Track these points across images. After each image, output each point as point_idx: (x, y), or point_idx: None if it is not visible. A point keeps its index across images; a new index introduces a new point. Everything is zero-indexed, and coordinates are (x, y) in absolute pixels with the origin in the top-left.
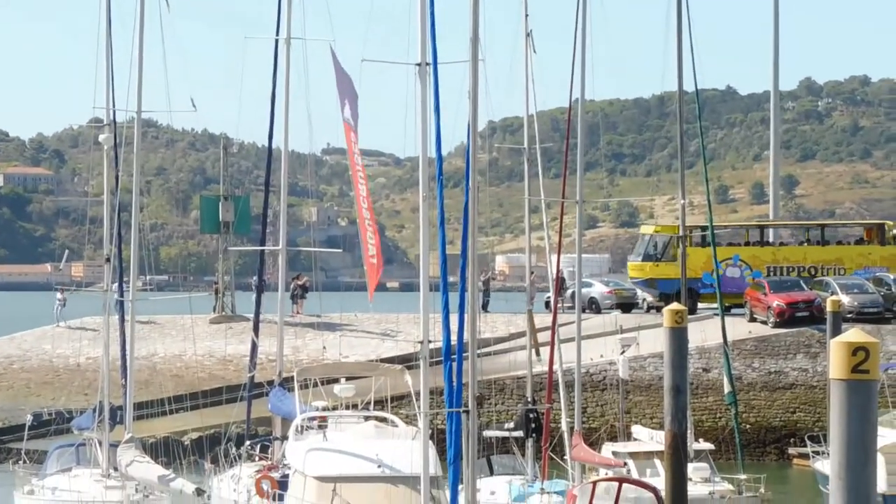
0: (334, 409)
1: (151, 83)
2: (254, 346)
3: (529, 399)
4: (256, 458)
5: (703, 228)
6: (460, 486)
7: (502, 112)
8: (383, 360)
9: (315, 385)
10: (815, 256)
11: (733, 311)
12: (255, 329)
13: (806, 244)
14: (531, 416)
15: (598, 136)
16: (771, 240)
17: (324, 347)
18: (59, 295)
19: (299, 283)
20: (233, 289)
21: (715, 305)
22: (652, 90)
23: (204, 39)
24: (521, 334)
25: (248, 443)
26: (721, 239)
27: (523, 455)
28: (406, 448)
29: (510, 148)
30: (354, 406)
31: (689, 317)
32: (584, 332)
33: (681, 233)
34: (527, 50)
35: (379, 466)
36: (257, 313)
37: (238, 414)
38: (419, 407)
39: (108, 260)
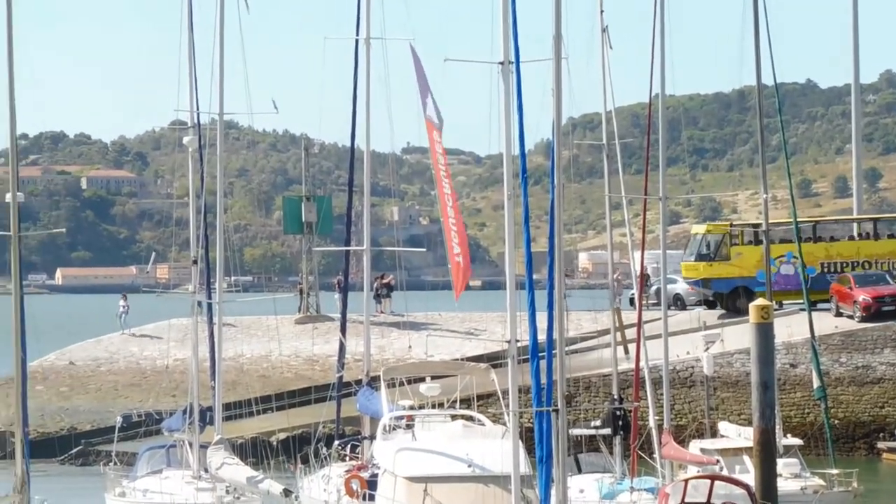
0: (420, 408)
1: (232, 85)
2: (341, 347)
3: (616, 397)
4: (347, 458)
5: (755, 226)
6: (551, 485)
7: (581, 109)
8: (468, 359)
9: (401, 384)
10: (868, 251)
11: (819, 305)
12: (343, 329)
13: (858, 238)
14: (618, 413)
15: (679, 131)
16: (855, 234)
17: (409, 347)
18: (122, 302)
19: (384, 282)
20: (317, 289)
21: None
22: (732, 84)
23: (283, 40)
24: (607, 332)
25: (337, 443)
26: (774, 236)
27: (611, 453)
28: (496, 447)
29: (590, 144)
30: (440, 405)
31: (775, 312)
32: (670, 329)
33: (764, 227)
34: (603, 46)
35: (469, 466)
36: (344, 313)
37: (327, 414)
38: (508, 406)
39: (194, 262)
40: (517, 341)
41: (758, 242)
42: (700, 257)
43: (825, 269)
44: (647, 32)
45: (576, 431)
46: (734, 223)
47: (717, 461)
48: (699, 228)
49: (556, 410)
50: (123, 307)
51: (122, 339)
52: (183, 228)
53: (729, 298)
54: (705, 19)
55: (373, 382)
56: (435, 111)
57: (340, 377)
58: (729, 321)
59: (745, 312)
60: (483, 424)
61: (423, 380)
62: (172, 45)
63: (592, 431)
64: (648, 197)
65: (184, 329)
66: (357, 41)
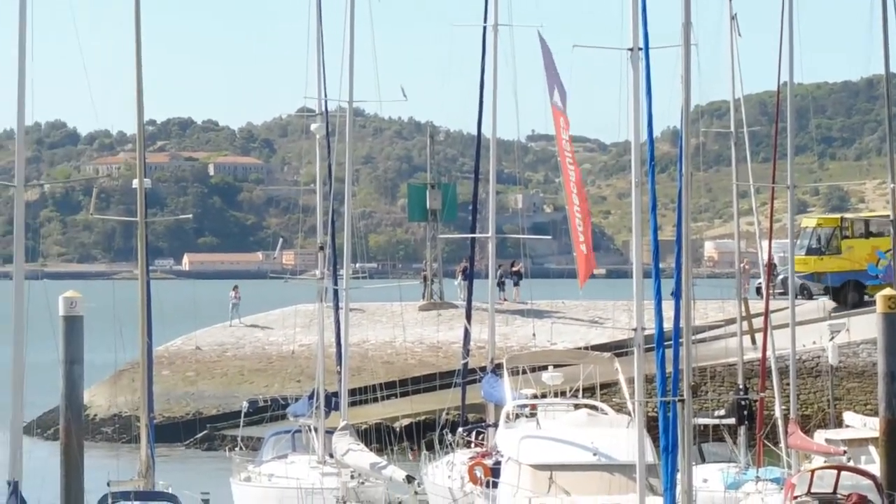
0: (543, 396)
1: (360, 73)
2: (466, 334)
3: (741, 386)
4: (472, 445)
5: (867, 221)
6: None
7: (709, 96)
8: (592, 348)
9: (523, 372)
10: None
11: None
12: (468, 316)
13: None
14: (743, 403)
15: (807, 119)
16: None
17: (533, 335)
18: (233, 292)
19: (514, 269)
20: (441, 276)
21: None
22: (860, 73)
23: (410, 28)
24: (733, 321)
25: (461, 429)
26: (880, 227)
27: (735, 443)
28: (621, 436)
29: (717, 132)
30: (563, 394)
31: None
32: (796, 319)
33: (892, 217)
34: (732, 33)
35: (595, 455)
36: (469, 300)
37: (451, 401)
38: (633, 395)
39: (321, 248)
40: (643, 330)
41: (868, 235)
42: (810, 251)
43: None
44: (776, 20)
45: (700, 421)
46: (844, 216)
47: (845, 451)
48: (809, 222)
49: (682, 400)
50: (235, 298)
51: (247, 325)
52: (309, 215)
53: (839, 292)
54: (834, 7)
55: (496, 370)
56: (562, 98)
57: (465, 364)
58: (855, 311)
59: (856, 306)
60: (605, 413)
61: (545, 368)
62: (301, 33)
63: (716, 421)
64: (776, 185)
65: (309, 315)
66: (485, 28)
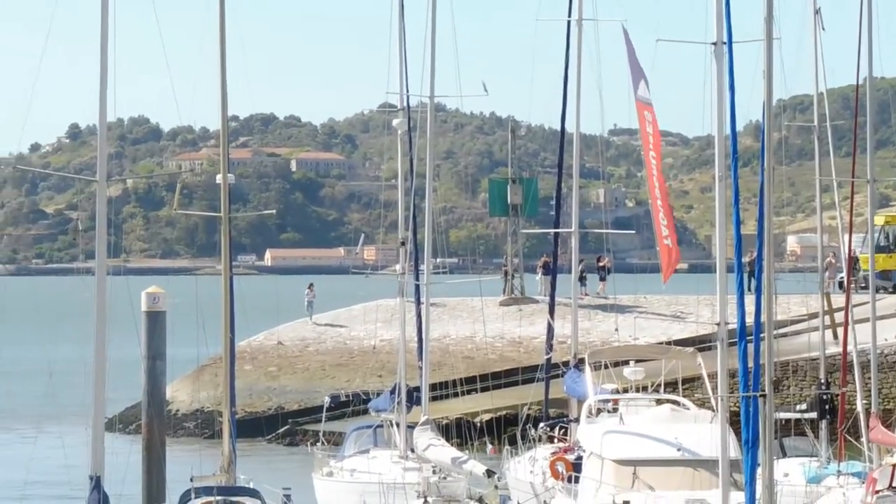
0: (625, 391)
1: (442, 68)
2: (550, 328)
3: (823, 381)
4: (556, 440)
5: None
6: (758, 470)
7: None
8: (675, 342)
9: (605, 367)
10: None
11: None
12: (551, 311)
13: None
14: (824, 397)
15: (889, 113)
16: None
17: (616, 329)
18: (308, 290)
19: (600, 264)
20: (521, 271)
21: None
22: None
23: (493, 22)
24: (815, 315)
25: (542, 424)
26: None
27: (816, 437)
28: (705, 431)
29: (800, 126)
30: (644, 389)
31: None
32: (879, 313)
33: None
34: (815, 27)
35: (679, 450)
36: (552, 295)
37: (533, 395)
38: (715, 390)
39: (402, 244)
40: (726, 324)
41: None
42: (879, 249)
43: None
44: (857, 13)
45: (781, 415)
46: None
47: None
48: (878, 220)
49: (763, 395)
50: (310, 295)
51: (329, 320)
52: (390, 210)
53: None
54: None
55: (579, 365)
56: (647, 92)
57: (549, 359)
58: None
59: None
60: (687, 409)
61: (627, 363)
62: (383, 29)
63: (798, 415)
64: (856, 179)
65: (390, 310)
66: (569, 22)
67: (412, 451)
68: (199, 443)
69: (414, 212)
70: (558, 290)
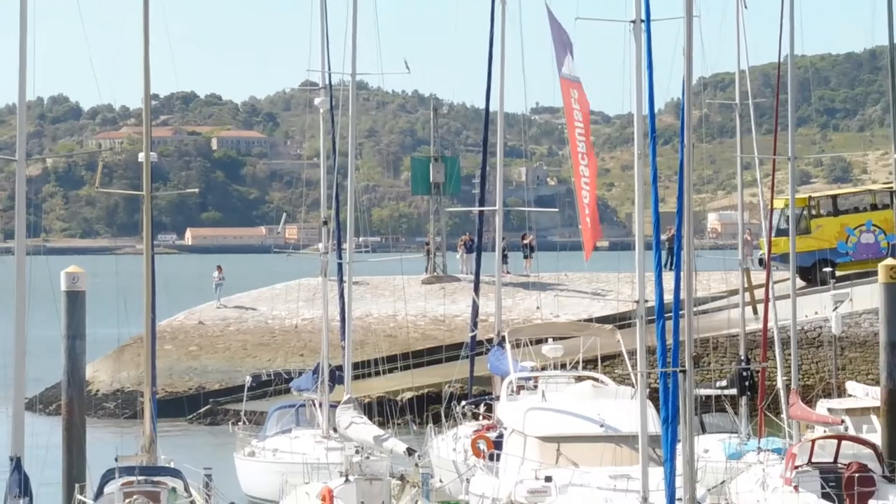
0: (544, 368)
1: (363, 46)
2: (475, 306)
3: (743, 357)
4: (481, 418)
5: (835, 198)
6: (677, 446)
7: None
8: (595, 320)
9: (526, 345)
10: None
11: None
12: (476, 289)
13: None
14: (745, 374)
15: (810, 91)
16: None
17: (538, 307)
18: (216, 273)
19: (524, 241)
20: (444, 249)
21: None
22: (863, 44)
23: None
24: (736, 292)
25: (463, 403)
26: (848, 204)
27: (736, 413)
28: (627, 408)
29: (721, 104)
30: (563, 366)
31: None
32: (799, 289)
33: (895, 188)
34: (738, 4)
35: (601, 426)
36: (477, 273)
37: (459, 373)
38: (636, 366)
39: (325, 223)
40: (645, 301)
41: (837, 213)
42: (780, 232)
43: None
44: None
45: (701, 392)
46: (812, 195)
47: (843, 421)
48: (778, 203)
49: (683, 371)
50: (218, 278)
51: (251, 299)
52: (312, 189)
53: (809, 271)
54: None
55: (502, 343)
56: (573, 69)
57: (474, 336)
58: (859, 281)
59: (824, 284)
60: (607, 385)
61: (544, 340)
62: (304, 6)
63: (718, 392)
64: (777, 157)
65: (312, 289)
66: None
67: (335, 430)
68: (120, 423)
69: (336, 190)
70: (481, 268)
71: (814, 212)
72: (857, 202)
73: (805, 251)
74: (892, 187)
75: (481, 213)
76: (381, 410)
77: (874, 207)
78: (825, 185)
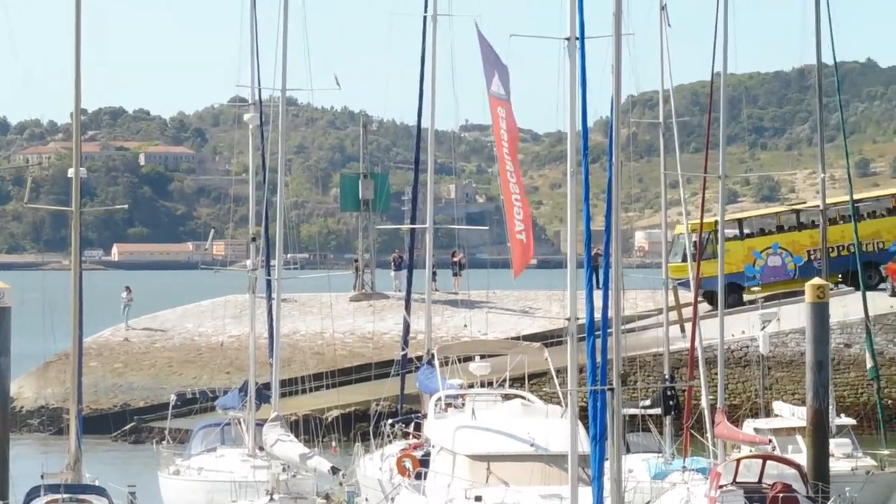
0: (471, 386)
1: (294, 61)
2: (406, 324)
3: (668, 376)
4: (411, 437)
5: (741, 221)
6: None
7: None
8: (524, 338)
9: (454, 363)
10: (853, 233)
11: (881, 286)
12: (407, 306)
13: (842, 222)
14: (669, 393)
15: (739, 109)
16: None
17: (465, 325)
18: (124, 293)
19: (454, 259)
20: (373, 266)
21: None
22: (792, 63)
23: (347, 16)
24: (661, 311)
25: (390, 421)
26: (754, 227)
27: (661, 433)
28: (557, 426)
29: (649, 123)
30: (491, 384)
31: (831, 292)
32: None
33: (822, 207)
34: (661, 24)
35: (532, 445)
36: (408, 290)
37: (384, 391)
38: (567, 384)
39: (253, 239)
40: (576, 319)
41: (743, 237)
42: (686, 257)
43: (811, 257)
44: (706, 10)
45: (626, 411)
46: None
47: (770, 441)
48: (681, 228)
49: (612, 389)
50: (126, 299)
51: (177, 316)
52: (240, 205)
53: (716, 296)
54: None
55: (431, 360)
56: (503, 86)
57: (405, 354)
58: (786, 300)
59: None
60: (534, 403)
61: (472, 358)
62: (233, 21)
63: (641, 411)
64: (707, 175)
65: (239, 305)
66: (425, 17)
67: (261, 449)
68: (45, 440)
69: (266, 207)
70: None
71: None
72: (764, 225)
73: (713, 276)
74: (801, 206)
75: (413, 230)
76: (307, 428)
77: (780, 230)
78: (753, 204)
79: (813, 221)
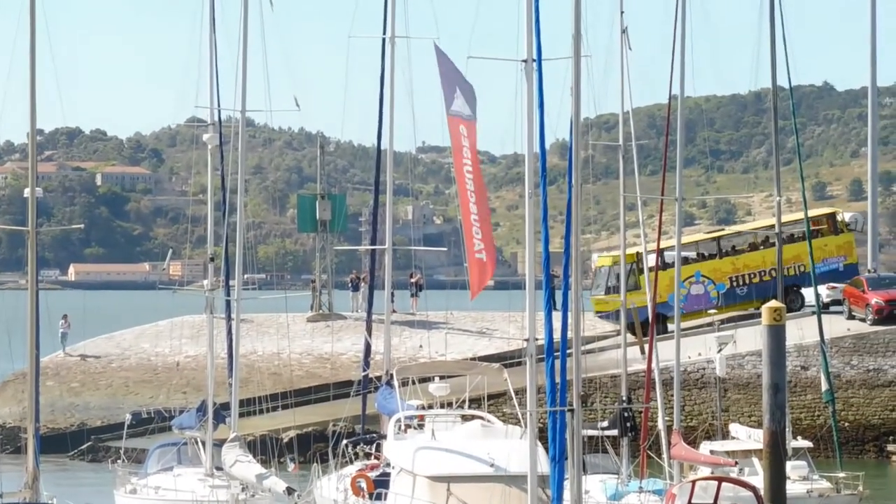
0: (430, 407)
1: (252, 83)
2: (367, 345)
3: (625, 397)
4: (372, 457)
5: (661, 252)
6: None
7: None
8: (480, 359)
9: (413, 383)
10: (774, 258)
11: (833, 308)
12: (368, 327)
13: (762, 247)
14: (626, 414)
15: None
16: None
17: (420, 346)
18: (62, 321)
19: (412, 280)
20: (331, 287)
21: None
22: (748, 86)
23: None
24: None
25: (345, 441)
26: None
27: (618, 454)
28: (517, 447)
29: (605, 145)
30: (449, 404)
31: (787, 314)
32: (683, 330)
33: (777, 230)
34: (622, 47)
35: (492, 466)
36: (369, 311)
37: (342, 411)
38: (526, 405)
39: (212, 259)
40: (535, 340)
41: (665, 267)
42: (609, 290)
43: (734, 284)
44: (665, 34)
45: (584, 432)
46: (639, 251)
47: (736, 462)
48: (604, 261)
49: (572, 410)
50: (64, 326)
51: (133, 336)
52: (197, 226)
53: (643, 327)
54: (722, 21)
55: (391, 381)
56: (467, 105)
57: (366, 375)
58: (742, 323)
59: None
60: (492, 424)
61: (430, 379)
62: (190, 42)
63: (599, 432)
64: (664, 198)
65: (195, 326)
66: (384, 39)
67: (218, 468)
68: (1, 459)
69: (227, 227)
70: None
71: (643, 267)
72: (685, 253)
73: (638, 307)
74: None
75: (373, 251)
76: (264, 449)
77: (702, 258)
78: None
79: (734, 247)
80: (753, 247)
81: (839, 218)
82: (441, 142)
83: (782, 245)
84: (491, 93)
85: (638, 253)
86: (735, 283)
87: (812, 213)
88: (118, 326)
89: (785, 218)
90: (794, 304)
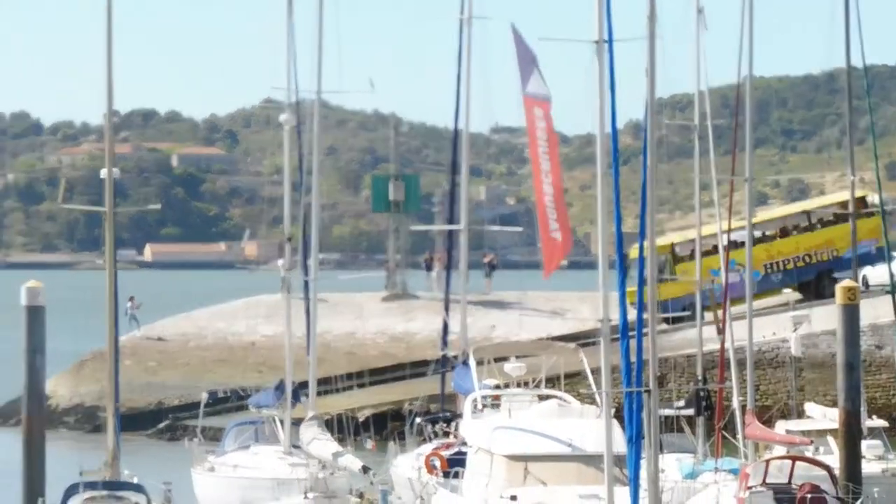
0: (506, 387)
1: (327, 63)
2: (445, 325)
3: (700, 377)
4: (451, 436)
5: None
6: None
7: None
8: (554, 339)
9: (488, 363)
10: (807, 243)
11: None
12: (446, 307)
13: (795, 233)
14: (702, 394)
15: (769, 112)
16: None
17: (493, 326)
18: (129, 303)
19: (485, 260)
20: (404, 267)
21: None
22: (821, 66)
23: (378, 18)
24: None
25: (418, 420)
26: (710, 246)
27: (693, 434)
28: (593, 426)
29: (680, 125)
30: (525, 384)
31: (862, 294)
32: (758, 310)
33: (850, 209)
34: (698, 26)
35: (569, 445)
36: (447, 292)
37: (417, 391)
38: (601, 385)
39: (289, 239)
40: (609, 321)
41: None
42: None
43: (768, 270)
44: (735, 13)
45: (660, 412)
46: (675, 242)
47: (811, 441)
48: (633, 253)
49: (648, 391)
50: (132, 308)
51: (209, 315)
52: (272, 206)
53: (677, 318)
54: (795, 1)
55: (467, 361)
56: (542, 86)
57: (444, 354)
58: (817, 302)
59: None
60: (569, 404)
61: (506, 359)
62: (265, 23)
63: (676, 412)
64: (735, 177)
65: (271, 305)
66: (461, 20)
67: (295, 447)
68: (80, 437)
69: (304, 208)
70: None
71: (678, 257)
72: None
73: (676, 297)
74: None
75: (451, 232)
76: (340, 427)
77: (735, 246)
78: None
79: (764, 234)
80: (784, 232)
81: (869, 200)
82: (514, 122)
83: (855, 224)
84: (564, 73)
85: (672, 244)
86: (769, 270)
87: (842, 197)
88: (195, 305)
89: (815, 203)
90: (824, 290)
